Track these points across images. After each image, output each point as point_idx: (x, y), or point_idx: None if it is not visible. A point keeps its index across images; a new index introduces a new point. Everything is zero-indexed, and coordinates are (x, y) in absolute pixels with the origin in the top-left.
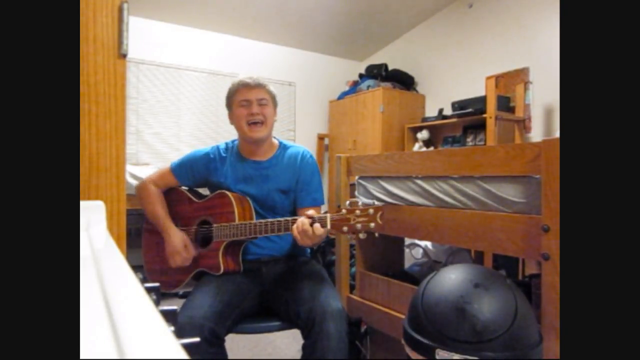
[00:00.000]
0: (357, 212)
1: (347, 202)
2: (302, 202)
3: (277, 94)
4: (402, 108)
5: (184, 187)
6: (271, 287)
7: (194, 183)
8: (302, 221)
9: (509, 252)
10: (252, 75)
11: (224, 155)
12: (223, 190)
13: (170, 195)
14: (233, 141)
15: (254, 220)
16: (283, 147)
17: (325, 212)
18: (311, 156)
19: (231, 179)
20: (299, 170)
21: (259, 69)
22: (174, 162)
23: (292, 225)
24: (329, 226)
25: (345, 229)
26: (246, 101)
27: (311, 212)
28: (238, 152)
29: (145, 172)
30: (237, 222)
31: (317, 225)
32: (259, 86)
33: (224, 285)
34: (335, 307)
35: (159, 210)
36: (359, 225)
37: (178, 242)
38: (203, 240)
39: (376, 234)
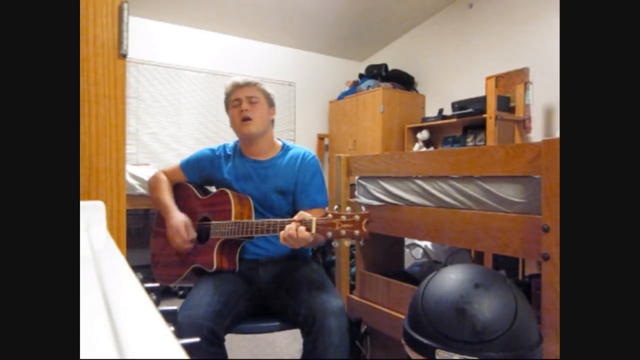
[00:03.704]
0: (343, 217)
1: (335, 207)
2: (301, 204)
3: (276, 94)
4: (402, 108)
5: (191, 183)
6: (269, 287)
7: (200, 180)
8: (288, 227)
9: (509, 252)
10: (250, 75)
11: (229, 153)
12: (224, 188)
13: (177, 190)
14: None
15: (251, 220)
16: (286, 148)
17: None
18: (313, 157)
19: (232, 177)
20: (297, 172)
21: (259, 69)
22: (184, 159)
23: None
24: (314, 230)
25: (329, 234)
26: (237, 100)
27: (299, 215)
28: (241, 150)
29: (145, 172)
30: (232, 220)
31: (301, 228)
32: (248, 85)
33: (222, 285)
34: (336, 305)
35: (165, 197)
36: (343, 232)
37: (178, 223)
38: (202, 236)
39: (361, 242)
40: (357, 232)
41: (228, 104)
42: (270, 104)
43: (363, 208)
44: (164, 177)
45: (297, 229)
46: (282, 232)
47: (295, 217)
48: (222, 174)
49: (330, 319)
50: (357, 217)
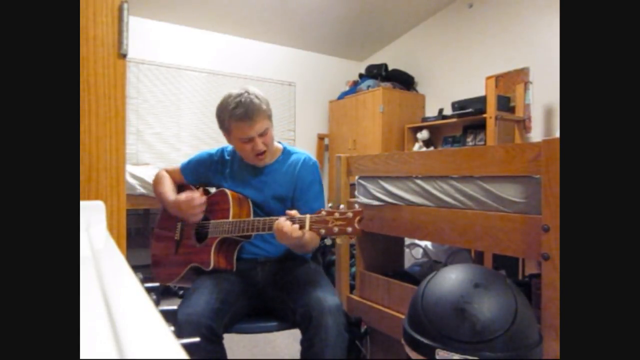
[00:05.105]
0: (336, 214)
1: (329, 205)
2: (298, 212)
3: (276, 94)
4: (402, 108)
5: (191, 185)
6: (267, 287)
7: (198, 182)
8: (280, 220)
9: (509, 252)
10: (250, 75)
11: (227, 158)
12: (223, 189)
13: (180, 191)
14: None
15: (248, 218)
16: (287, 152)
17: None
18: (314, 163)
19: (231, 183)
20: (296, 178)
21: (259, 69)
22: (184, 161)
23: None
24: (307, 227)
25: (322, 231)
26: (248, 138)
27: (293, 212)
28: (240, 157)
29: (145, 172)
30: (230, 219)
31: (295, 226)
32: (258, 117)
33: (220, 284)
34: (333, 302)
35: (166, 190)
36: (335, 229)
37: (183, 197)
38: (200, 236)
39: (352, 240)
40: (349, 229)
41: (229, 131)
42: (271, 119)
43: (356, 206)
44: (165, 174)
45: (284, 223)
46: (274, 225)
47: (289, 212)
48: (221, 179)
49: (326, 317)
50: (349, 215)
